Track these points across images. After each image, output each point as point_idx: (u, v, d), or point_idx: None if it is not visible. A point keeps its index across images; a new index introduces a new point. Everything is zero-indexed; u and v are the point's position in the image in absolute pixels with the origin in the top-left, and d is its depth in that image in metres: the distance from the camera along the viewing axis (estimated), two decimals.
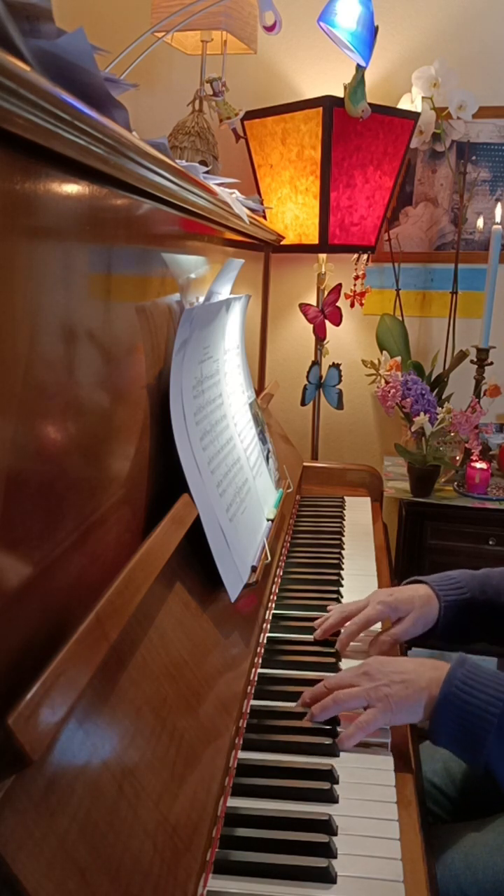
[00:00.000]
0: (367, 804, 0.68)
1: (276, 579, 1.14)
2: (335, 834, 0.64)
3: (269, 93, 1.99)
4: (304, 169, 1.77)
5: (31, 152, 0.44)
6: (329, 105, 1.67)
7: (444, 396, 1.92)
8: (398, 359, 1.88)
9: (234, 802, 0.67)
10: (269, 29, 1.30)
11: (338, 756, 0.74)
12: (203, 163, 1.45)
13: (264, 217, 1.62)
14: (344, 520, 1.48)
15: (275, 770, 0.71)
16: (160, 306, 0.81)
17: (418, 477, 1.77)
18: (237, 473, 0.99)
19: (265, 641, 0.96)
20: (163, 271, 0.84)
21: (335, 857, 0.62)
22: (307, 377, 1.99)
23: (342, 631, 0.96)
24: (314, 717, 0.77)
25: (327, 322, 1.96)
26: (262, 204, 1.55)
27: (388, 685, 0.76)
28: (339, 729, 0.77)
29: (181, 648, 0.70)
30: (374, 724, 0.75)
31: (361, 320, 2.12)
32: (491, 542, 1.76)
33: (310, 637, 0.98)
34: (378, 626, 0.97)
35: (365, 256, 2.00)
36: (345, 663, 0.92)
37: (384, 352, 1.95)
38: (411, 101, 1.91)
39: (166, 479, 0.79)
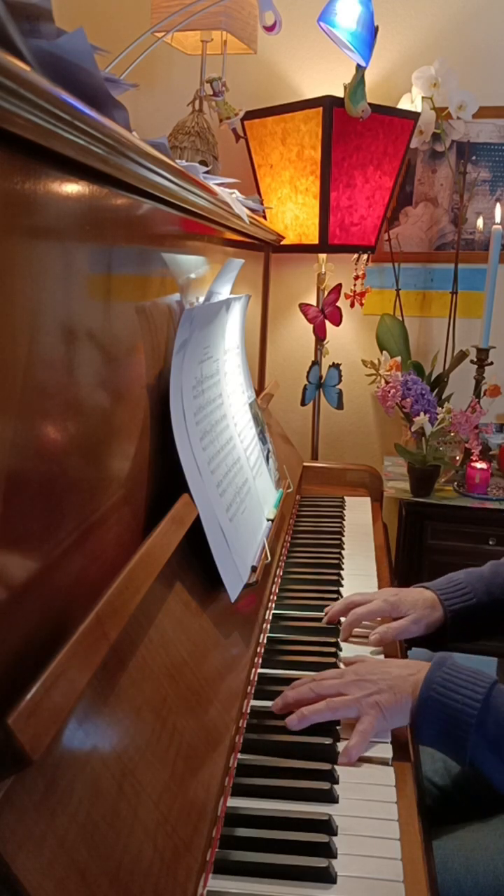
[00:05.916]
0: (367, 804, 0.68)
1: (276, 579, 1.14)
2: (335, 834, 0.64)
3: (269, 93, 1.99)
4: (304, 169, 1.77)
5: (31, 152, 0.44)
6: (329, 105, 1.67)
7: (444, 396, 1.92)
8: (398, 359, 1.88)
9: (234, 802, 0.67)
10: (269, 29, 1.30)
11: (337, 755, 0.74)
12: (203, 163, 1.45)
13: (264, 217, 1.62)
14: (344, 520, 1.48)
15: (275, 770, 0.71)
16: (160, 306, 0.81)
17: (418, 477, 1.77)
18: (237, 473, 0.99)
19: (265, 641, 0.96)
20: (163, 271, 0.84)
21: (335, 857, 0.62)
22: (307, 377, 1.99)
23: (344, 619, 1.00)
24: (303, 720, 0.76)
25: (327, 322, 1.96)
26: (262, 204, 1.55)
27: (378, 692, 0.77)
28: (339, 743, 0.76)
29: (181, 648, 0.70)
30: (372, 732, 0.76)
31: (361, 320, 2.12)
32: (491, 542, 1.76)
33: (310, 637, 0.98)
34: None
35: (365, 256, 2.00)
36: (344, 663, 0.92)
37: (384, 352, 1.95)
38: (411, 101, 1.91)
39: (166, 479, 0.79)
